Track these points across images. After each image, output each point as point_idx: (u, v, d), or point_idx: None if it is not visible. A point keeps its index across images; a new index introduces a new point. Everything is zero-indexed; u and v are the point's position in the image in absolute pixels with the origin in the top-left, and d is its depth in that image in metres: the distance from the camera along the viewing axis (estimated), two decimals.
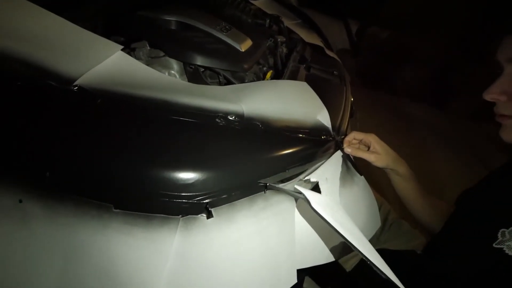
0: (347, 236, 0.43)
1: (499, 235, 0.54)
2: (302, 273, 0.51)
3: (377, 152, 0.69)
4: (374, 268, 0.41)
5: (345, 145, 0.68)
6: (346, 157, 0.69)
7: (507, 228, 0.53)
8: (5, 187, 0.42)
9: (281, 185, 0.51)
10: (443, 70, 2.71)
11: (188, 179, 0.42)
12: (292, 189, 0.50)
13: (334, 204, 0.51)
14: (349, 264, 0.75)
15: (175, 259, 0.41)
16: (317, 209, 0.44)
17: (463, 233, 0.63)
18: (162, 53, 0.72)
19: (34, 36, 0.54)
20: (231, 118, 0.53)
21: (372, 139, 0.70)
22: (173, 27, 0.75)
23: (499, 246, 0.53)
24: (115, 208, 0.40)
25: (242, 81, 0.80)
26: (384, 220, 0.88)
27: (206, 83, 0.75)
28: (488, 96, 0.56)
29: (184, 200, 0.42)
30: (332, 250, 0.56)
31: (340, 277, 0.75)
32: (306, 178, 0.56)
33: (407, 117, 2.57)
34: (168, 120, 0.49)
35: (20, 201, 0.41)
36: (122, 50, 0.60)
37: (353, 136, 0.70)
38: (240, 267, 0.45)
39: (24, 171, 0.43)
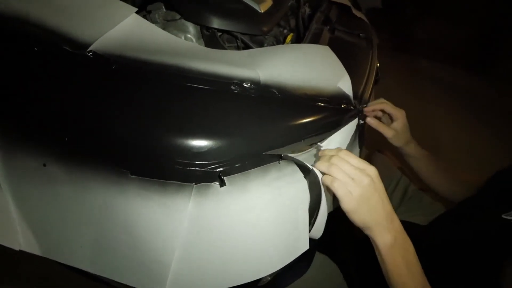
0: None
1: None
2: (312, 240, 0.52)
3: (396, 130, 0.69)
4: None
5: (369, 115, 0.68)
6: (359, 128, 0.66)
7: None
8: (30, 151, 0.44)
9: (296, 155, 0.50)
10: (487, 30, 2.44)
11: (200, 148, 0.42)
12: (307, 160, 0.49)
13: None
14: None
15: (189, 223, 0.43)
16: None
17: (477, 205, 0.62)
18: (178, 16, 0.70)
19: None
20: (246, 86, 0.52)
21: (401, 116, 0.69)
22: None
23: (508, 218, 0.54)
24: (132, 174, 0.42)
25: (261, 45, 0.77)
26: (404, 192, 0.86)
27: (224, 48, 0.72)
28: None
29: (197, 168, 0.42)
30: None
31: (352, 245, 0.77)
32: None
33: (444, 85, 2.37)
34: (182, 87, 0.48)
35: (44, 165, 0.43)
36: (138, 12, 0.58)
37: (381, 107, 0.68)
38: (253, 233, 0.46)
39: (46, 136, 0.45)
